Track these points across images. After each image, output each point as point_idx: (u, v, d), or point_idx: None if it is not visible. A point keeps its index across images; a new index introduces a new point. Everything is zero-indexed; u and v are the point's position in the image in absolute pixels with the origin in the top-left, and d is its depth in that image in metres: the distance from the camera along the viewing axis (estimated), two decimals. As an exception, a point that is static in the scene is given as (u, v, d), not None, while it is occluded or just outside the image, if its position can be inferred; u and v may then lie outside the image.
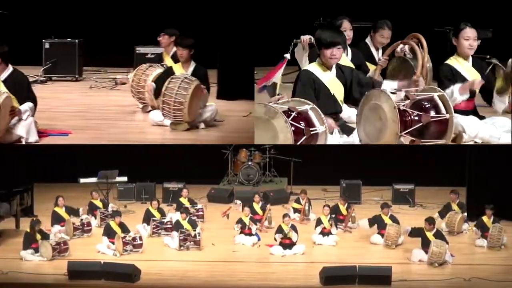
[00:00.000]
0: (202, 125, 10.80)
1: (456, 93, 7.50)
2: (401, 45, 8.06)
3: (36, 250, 11.08)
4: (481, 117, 7.70)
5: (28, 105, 9.67)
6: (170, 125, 10.65)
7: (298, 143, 6.38)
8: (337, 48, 7.12)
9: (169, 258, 11.27)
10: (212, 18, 13.32)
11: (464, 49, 7.50)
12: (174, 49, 11.51)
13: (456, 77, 7.56)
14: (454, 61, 7.68)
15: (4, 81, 9.66)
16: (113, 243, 11.39)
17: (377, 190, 15.40)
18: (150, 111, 11.27)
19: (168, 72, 10.99)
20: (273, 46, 8.39)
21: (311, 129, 6.43)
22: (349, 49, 8.80)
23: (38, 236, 11.18)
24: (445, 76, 7.60)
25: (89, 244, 11.78)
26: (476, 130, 7.38)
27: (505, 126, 7.51)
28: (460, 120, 7.29)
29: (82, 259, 10.93)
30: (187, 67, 10.99)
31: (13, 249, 11.49)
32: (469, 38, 7.49)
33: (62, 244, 11.14)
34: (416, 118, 6.66)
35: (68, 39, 14.10)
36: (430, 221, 11.09)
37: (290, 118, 6.36)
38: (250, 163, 15.29)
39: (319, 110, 6.59)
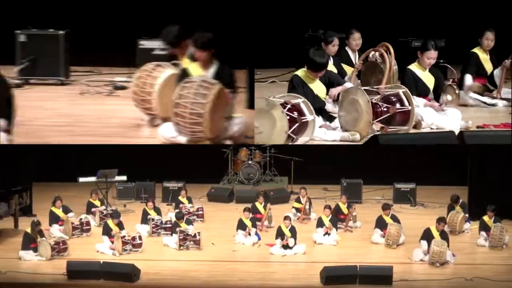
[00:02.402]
0: (228, 142, 8.69)
1: (422, 108, 9.27)
2: (372, 52, 9.81)
3: (35, 250, 11.02)
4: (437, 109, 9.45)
5: None
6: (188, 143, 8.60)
7: (291, 130, 7.84)
8: (322, 71, 8.87)
9: (169, 258, 11.21)
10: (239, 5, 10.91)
11: (425, 64, 9.46)
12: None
13: (416, 81, 9.42)
14: (415, 68, 9.52)
15: None
16: (112, 242, 11.33)
17: (378, 189, 15.35)
18: (158, 124, 9.19)
19: (184, 75, 8.72)
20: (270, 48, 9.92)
21: (302, 118, 8.01)
22: (331, 58, 10.34)
23: (38, 237, 11.12)
24: (408, 79, 9.44)
25: (88, 244, 11.72)
26: (432, 119, 9.00)
27: (455, 115, 9.17)
28: (419, 111, 8.96)
29: (81, 258, 10.86)
30: (208, 67, 8.72)
31: (12, 248, 11.42)
32: (430, 58, 9.41)
33: (61, 244, 11.08)
34: (385, 109, 8.41)
35: (50, 30, 11.41)
36: (442, 221, 11.03)
37: (286, 109, 7.90)
38: (250, 162, 15.23)
39: (308, 103, 8.20)
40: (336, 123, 8.65)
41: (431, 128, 8.89)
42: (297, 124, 7.79)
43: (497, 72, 10.44)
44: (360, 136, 8.49)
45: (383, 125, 8.44)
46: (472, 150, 13.08)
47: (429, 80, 9.49)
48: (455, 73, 10.25)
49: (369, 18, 11.32)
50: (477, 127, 9.07)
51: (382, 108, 8.44)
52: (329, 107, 9.11)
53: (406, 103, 8.52)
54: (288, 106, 7.87)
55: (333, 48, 10.05)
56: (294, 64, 9.51)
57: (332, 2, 11.14)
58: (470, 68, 10.49)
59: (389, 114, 8.44)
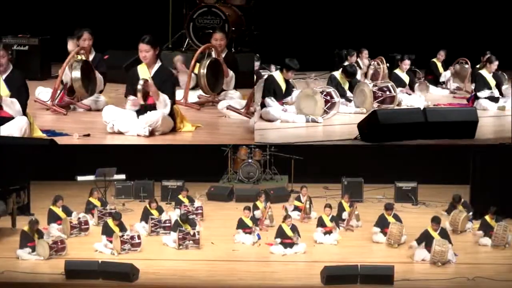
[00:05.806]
0: None
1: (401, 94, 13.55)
2: (372, 62, 14.68)
3: (33, 249, 10.94)
4: (409, 94, 13.65)
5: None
6: None
7: (326, 106, 11.88)
8: (351, 78, 13.27)
9: (168, 257, 11.14)
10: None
11: (403, 69, 13.97)
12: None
13: (398, 79, 13.72)
14: (398, 71, 14.02)
15: None
16: (111, 241, 11.25)
17: (379, 188, 15.27)
18: None
19: None
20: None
21: (332, 99, 11.95)
22: None
23: (35, 235, 11.04)
24: (393, 79, 13.64)
25: (86, 243, 11.64)
26: (406, 101, 13.21)
27: (421, 98, 13.49)
28: (400, 96, 13.12)
29: (79, 258, 10.80)
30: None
31: (10, 248, 11.34)
32: (406, 64, 13.99)
33: (59, 243, 11.00)
34: (380, 95, 12.57)
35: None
36: (437, 220, 10.98)
37: (323, 94, 11.90)
38: (250, 160, 15.14)
39: (336, 91, 12.22)
40: (352, 103, 12.78)
41: (407, 106, 12.94)
42: (329, 103, 11.90)
43: (444, 74, 15.05)
44: (366, 111, 12.10)
45: (379, 104, 12.45)
46: (473, 149, 13.10)
47: (406, 78, 13.95)
48: (421, 73, 14.97)
49: (372, 41, 15.97)
50: (434, 105, 13.05)
51: (378, 94, 12.56)
52: (348, 93, 13.08)
53: (392, 91, 12.68)
54: (324, 92, 11.97)
55: (351, 59, 14.61)
56: (328, 68, 14.54)
57: (351, 30, 16.22)
58: (431, 71, 15.40)
59: (382, 97, 12.53)
